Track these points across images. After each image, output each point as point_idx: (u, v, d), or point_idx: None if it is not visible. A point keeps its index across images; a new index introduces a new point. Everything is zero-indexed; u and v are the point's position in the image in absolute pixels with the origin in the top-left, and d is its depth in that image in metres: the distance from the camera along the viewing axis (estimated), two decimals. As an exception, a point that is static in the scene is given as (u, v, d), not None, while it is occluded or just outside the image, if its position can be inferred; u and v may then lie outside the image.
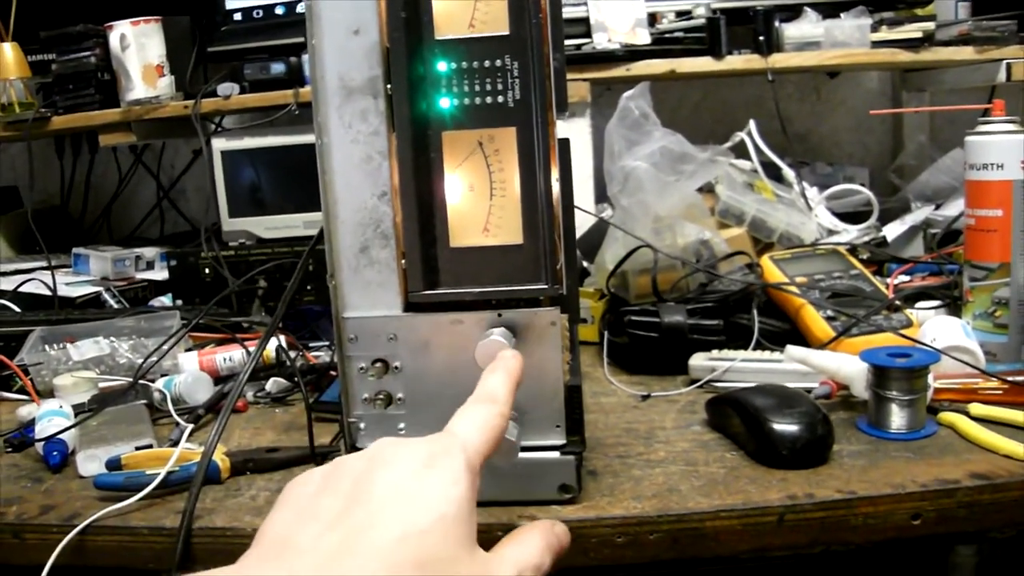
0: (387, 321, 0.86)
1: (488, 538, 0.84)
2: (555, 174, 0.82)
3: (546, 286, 0.83)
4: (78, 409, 1.21)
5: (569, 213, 0.91)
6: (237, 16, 1.92)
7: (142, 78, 1.78)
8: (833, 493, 0.88)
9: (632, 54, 1.75)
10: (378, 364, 0.87)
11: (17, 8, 1.81)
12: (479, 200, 0.83)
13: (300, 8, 1.89)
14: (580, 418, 0.88)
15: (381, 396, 0.88)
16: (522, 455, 0.83)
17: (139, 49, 1.77)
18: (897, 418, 1.02)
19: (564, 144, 0.88)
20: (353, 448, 0.90)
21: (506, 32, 0.80)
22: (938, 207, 1.79)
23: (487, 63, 0.81)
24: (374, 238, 0.85)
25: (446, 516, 0.56)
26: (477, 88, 0.81)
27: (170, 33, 1.82)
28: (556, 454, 0.87)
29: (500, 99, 0.81)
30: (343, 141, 0.83)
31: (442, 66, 0.81)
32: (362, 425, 0.89)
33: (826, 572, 1.17)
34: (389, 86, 0.82)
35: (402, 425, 0.89)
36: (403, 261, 0.84)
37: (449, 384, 0.87)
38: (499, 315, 0.84)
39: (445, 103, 0.82)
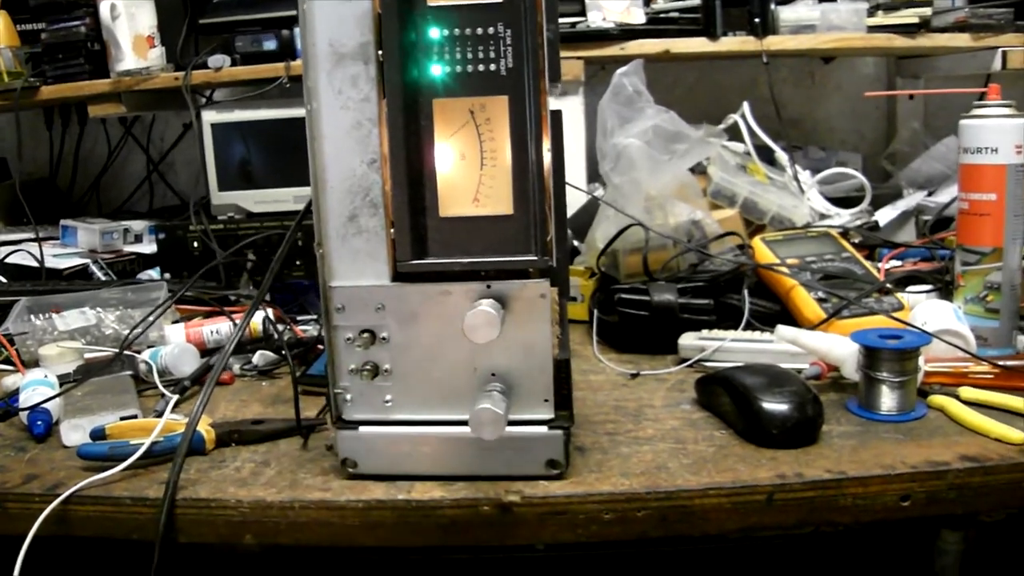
0: (375, 291, 0.85)
1: (474, 513, 0.84)
2: (547, 145, 0.81)
3: (535, 258, 0.82)
4: (63, 379, 1.20)
5: (560, 185, 0.90)
6: (229, -12, 1.90)
7: (132, 49, 1.76)
8: (823, 473, 0.87)
9: (626, 33, 1.74)
10: (365, 334, 0.86)
11: (7, -24, 1.79)
12: (470, 169, 0.82)
13: (293, -20, 1.87)
14: (568, 393, 0.88)
15: (368, 367, 0.87)
16: (509, 429, 0.83)
17: (129, 19, 1.75)
18: (887, 400, 1.01)
19: (556, 115, 0.87)
20: (340, 419, 0.89)
21: (500, -1, 0.79)
22: (930, 193, 1.79)
23: (479, 30, 0.80)
24: (363, 206, 0.84)
25: None
26: (469, 56, 0.80)
27: (161, 4, 1.81)
28: (544, 428, 0.87)
29: (492, 67, 0.80)
30: (333, 107, 0.83)
31: (434, 32, 0.80)
32: (348, 396, 0.89)
33: (813, 554, 1.17)
34: (380, 52, 0.81)
35: (389, 397, 0.88)
36: (392, 230, 0.84)
37: (437, 355, 0.86)
38: (488, 286, 0.83)
39: (437, 70, 0.81)
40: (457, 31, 0.80)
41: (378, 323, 0.86)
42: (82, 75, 1.83)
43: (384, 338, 0.86)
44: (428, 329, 0.86)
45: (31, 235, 1.82)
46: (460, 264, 0.83)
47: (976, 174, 1.19)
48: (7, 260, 1.77)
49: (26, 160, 2.32)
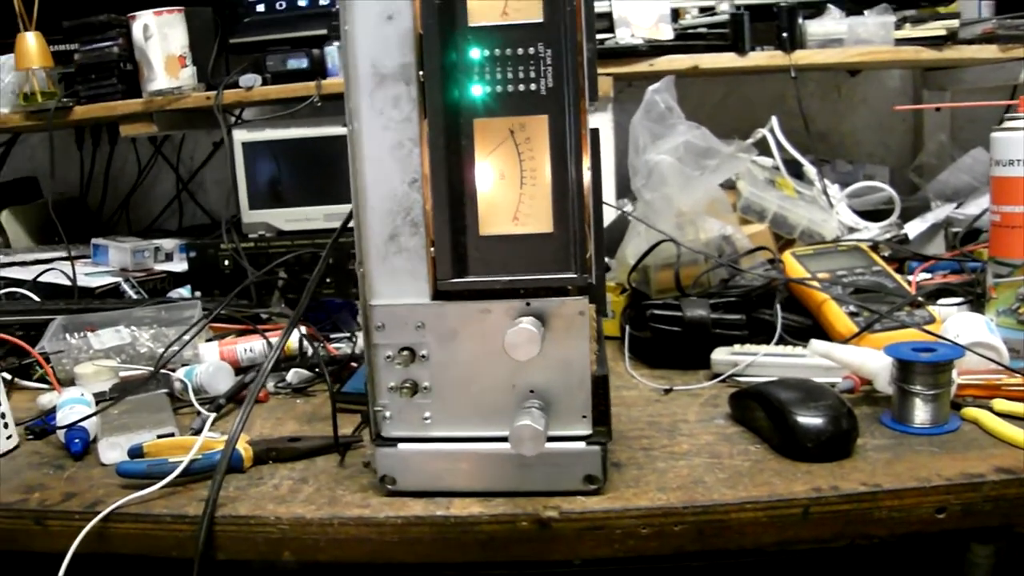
0: (415, 309, 0.86)
1: (513, 528, 0.85)
2: (586, 163, 0.82)
3: (575, 275, 0.83)
4: (99, 397, 1.21)
5: (598, 203, 0.91)
6: (260, 7, 1.93)
7: (164, 68, 1.79)
8: (858, 486, 0.87)
9: (655, 49, 1.74)
10: (405, 352, 0.87)
11: (40, -2, 1.81)
12: (509, 188, 0.83)
13: (323, 0, 1.89)
14: (606, 409, 0.88)
15: (407, 384, 0.88)
16: (548, 445, 0.83)
17: (162, 39, 1.78)
18: (921, 413, 1.01)
19: (595, 134, 0.88)
20: (379, 437, 0.90)
21: (540, 19, 0.80)
22: (959, 206, 1.78)
23: (520, 51, 0.81)
24: (403, 225, 0.85)
25: None
26: (510, 76, 0.81)
27: (193, 24, 1.83)
28: (582, 444, 0.87)
29: (532, 87, 0.81)
30: (374, 127, 0.83)
31: (475, 53, 0.81)
32: (388, 414, 0.89)
33: (846, 568, 1.17)
34: (422, 73, 0.82)
35: (428, 414, 0.89)
36: (432, 249, 0.84)
37: (476, 373, 0.87)
38: (527, 304, 0.84)
39: (477, 90, 0.82)
40: (498, 51, 0.81)
41: (418, 341, 0.87)
42: (115, 95, 1.85)
43: (424, 356, 0.87)
44: (468, 347, 0.87)
45: (63, 254, 1.84)
46: (500, 282, 0.84)
47: (1008, 186, 1.19)
48: (40, 279, 1.78)
49: (57, 179, 2.34)
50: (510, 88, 0.81)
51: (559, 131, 0.81)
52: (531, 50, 0.80)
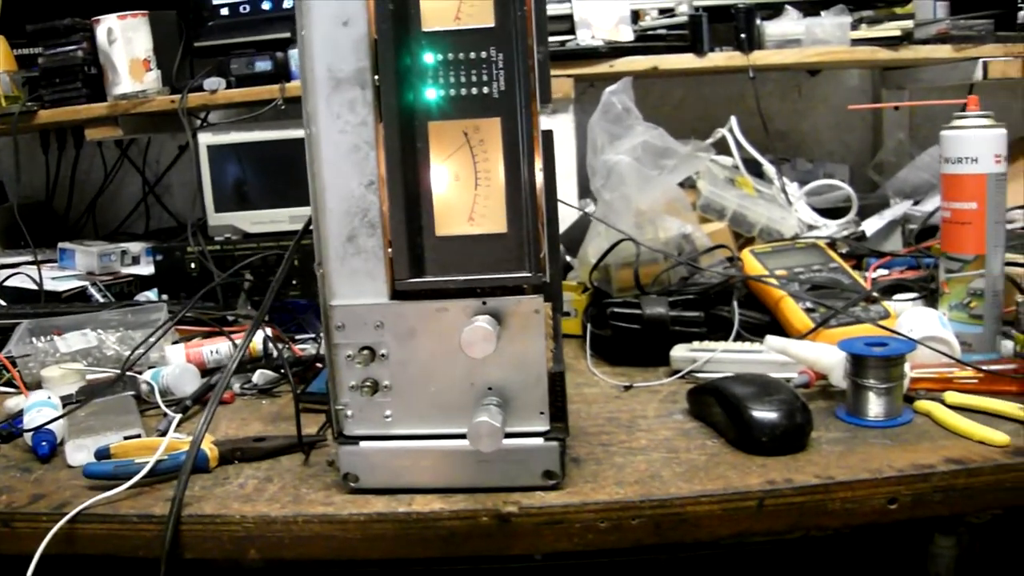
0: (374, 309, 0.88)
1: (473, 524, 0.86)
2: (539, 164, 0.84)
3: (530, 274, 0.84)
4: (66, 400, 1.22)
5: (552, 203, 0.93)
6: (224, 11, 1.93)
7: (129, 72, 1.79)
8: (811, 478, 0.89)
9: (615, 51, 1.76)
10: (365, 351, 0.88)
11: (4, 2, 1.80)
12: (464, 189, 0.84)
13: (287, 3, 1.90)
14: (563, 405, 0.90)
15: (368, 383, 0.89)
16: (506, 441, 0.84)
17: (126, 43, 1.78)
18: (874, 406, 1.04)
19: (547, 135, 0.89)
20: (341, 435, 0.91)
21: (491, 24, 0.82)
22: (916, 203, 1.81)
23: (472, 55, 0.82)
24: (361, 227, 0.86)
25: None
26: (463, 79, 0.83)
27: (157, 27, 1.83)
28: (540, 440, 0.89)
29: (485, 90, 0.83)
30: (331, 131, 0.85)
31: (428, 57, 0.83)
32: (349, 412, 0.91)
33: (807, 559, 1.19)
34: (377, 77, 0.83)
35: (389, 412, 0.90)
36: (389, 250, 0.86)
37: (435, 371, 0.88)
38: (484, 303, 0.86)
39: (431, 94, 0.83)
40: (451, 55, 0.82)
41: (377, 340, 0.88)
42: (79, 99, 1.85)
43: (383, 355, 0.89)
44: (426, 345, 0.88)
45: (30, 258, 1.84)
46: (456, 282, 0.85)
47: (957, 183, 1.21)
48: (6, 283, 1.78)
49: (23, 183, 2.34)
50: (463, 91, 0.83)
51: (511, 133, 0.83)
52: (483, 54, 0.82)
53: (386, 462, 0.91)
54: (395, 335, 0.88)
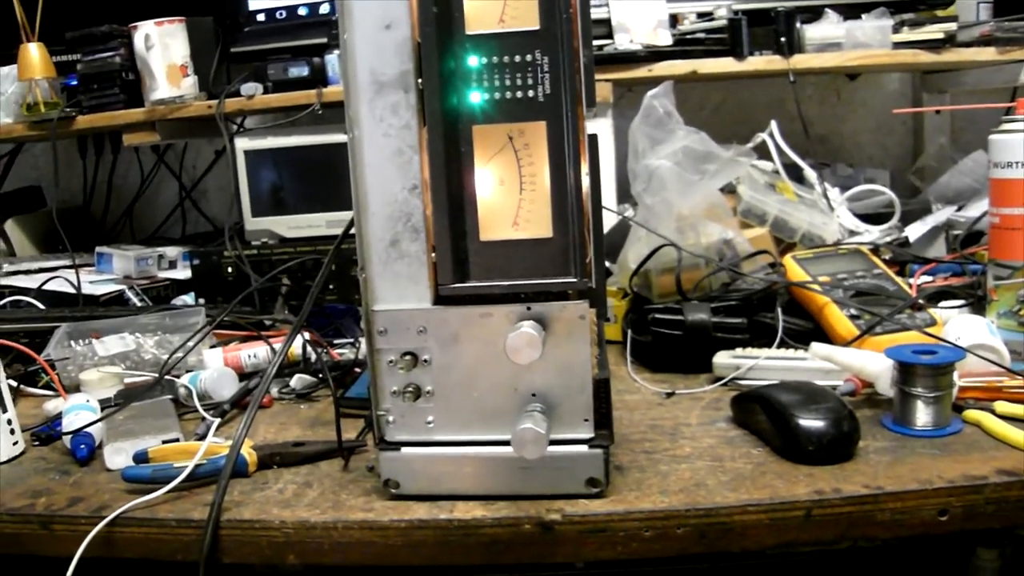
0: (417, 314, 0.87)
1: (516, 531, 0.85)
2: (584, 168, 0.83)
3: (575, 280, 0.83)
4: (104, 404, 1.22)
5: (597, 207, 0.92)
6: (260, 17, 1.94)
7: (166, 78, 1.79)
8: (860, 488, 0.88)
9: (653, 55, 1.75)
10: (407, 357, 0.88)
11: (43, 8, 1.82)
12: (509, 194, 0.84)
13: (323, 9, 1.90)
14: (608, 412, 0.88)
15: (410, 389, 0.88)
16: (550, 448, 0.84)
17: (163, 49, 1.78)
18: (923, 415, 1.02)
19: (593, 139, 0.88)
20: (382, 441, 0.91)
21: (536, 27, 0.81)
22: (960, 208, 1.79)
23: (517, 58, 0.81)
24: (404, 231, 0.85)
25: None
26: (507, 82, 0.82)
27: (194, 33, 1.84)
28: (584, 447, 0.88)
29: (530, 93, 0.82)
30: (374, 135, 0.84)
31: (473, 60, 0.82)
32: (391, 418, 0.90)
33: (850, 570, 1.17)
34: (420, 80, 0.83)
35: (431, 418, 0.89)
36: (433, 254, 0.85)
37: (478, 377, 0.88)
38: (528, 308, 0.85)
39: (475, 97, 0.82)
40: (495, 58, 0.82)
41: (420, 346, 0.88)
42: (117, 104, 1.86)
43: (426, 360, 0.88)
44: (469, 351, 0.87)
45: (67, 262, 1.85)
46: (500, 287, 0.84)
47: (1007, 189, 1.19)
48: (45, 287, 1.79)
49: (61, 188, 2.36)
50: (508, 95, 0.82)
51: (557, 137, 0.82)
52: (528, 57, 0.81)
53: (427, 468, 0.90)
54: (438, 340, 0.87)
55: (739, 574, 1.10)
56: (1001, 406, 1.04)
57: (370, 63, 0.84)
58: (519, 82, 0.82)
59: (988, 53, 1.79)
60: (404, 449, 0.90)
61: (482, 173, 0.84)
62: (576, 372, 0.86)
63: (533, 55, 0.81)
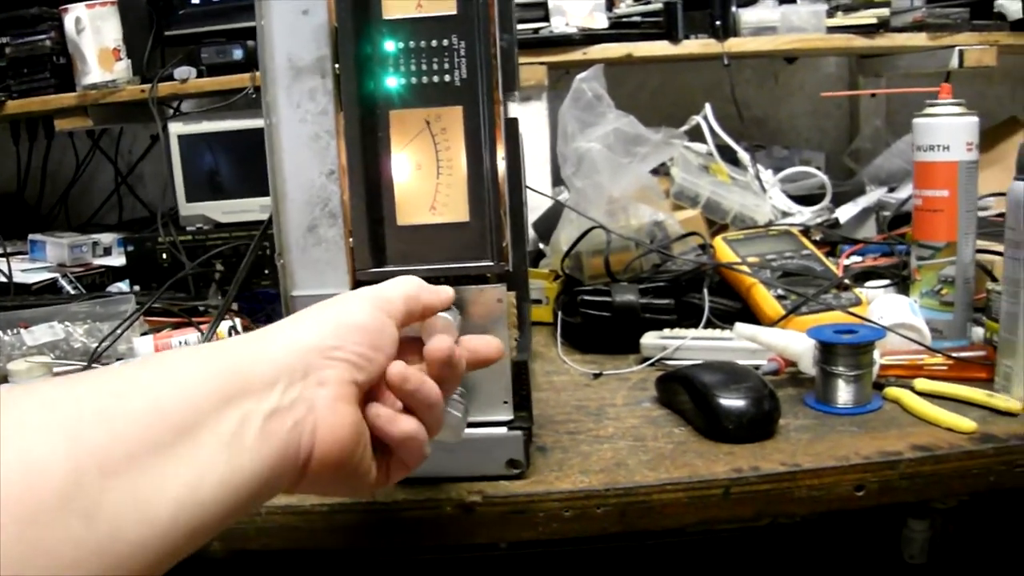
0: (336, 299, 0.87)
1: (438, 513, 0.86)
2: (501, 153, 0.83)
3: (492, 263, 0.84)
4: (32, 393, 1.20)
5: (517, 192, 0.92)
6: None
7: (98, 62, 1.77)
8: (778, 466, 0.89)
9: (589, 38, 1.76)
10: (328, 342, 0.87)
11: (-30, -9, 1.79)
12: (426, 178, 0.84)
13: (257, -8, 1.88)
14: (527, 394, 0.89)
15: (331, 374, 0.88)
16: (470, 431, 0.84)
17: (95, 32, 1.76)
18: (843, 393, 1.04)
19: (512, 123, 0.88)
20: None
21: (453, 12, 0.81)
22: (892, 190, 1.81)
23: (434, 42, 0.82)
24: (322, 217, 0.85)
25: None
26: (424, 67, 0.82)
27: (126, 16, 1.81)
28: (504, 429, 0.88)
29: (447, 78, 0.82)
30: (291, 120, 0.84)
31: (389, 45, 0.82)
32: (313, 403, 0.90)
33: (781, 546, 1.19)
34: (337, 66, 0.82)
35: (352, 402, 0.89)
36: (351, 239, 0.85)
37: (397, 360, 0.87)
38: (446, 292, 0.85)
39: (392, 82, 0.82)
40: (412, 43, 0.82)
41: (340, 330, 0.88)
42: (48, 89, 1.83)
43: (346, 345, 0.88)
44: (389, 335, 0.87)
45: (-1, 251, 1.83)
46: (418, 271, 0.83)
47: (929, 171, 1.21)
48: (-24, 276, 1.77)
49: (-7, 175, 2.33)
50: (424, 80, 0.82)
51: (474, 122, 0.82)
52: (444, 42, 0.81)
53: (350, 453, 0.90)
54: (357, 325, 0.87)
55: (661, 553, 1.12)
56: (920, 383, 1.06)
57: (287, 49, 0.83)
58: (436, 67, 0.82)
59: (920, 39, 1.81)
60: (327, 434, 0.90)
61: (399, 158, 0.84)
62: (494, 355, 0.86)
63: (450, 40, 0.82)
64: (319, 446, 0.60)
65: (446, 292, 0.74)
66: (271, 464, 0.56)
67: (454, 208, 0.84)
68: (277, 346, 0.61)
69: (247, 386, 0.56)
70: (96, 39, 1.76)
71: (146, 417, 0.51)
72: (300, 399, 0.59)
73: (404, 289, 0.70)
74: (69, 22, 1.76)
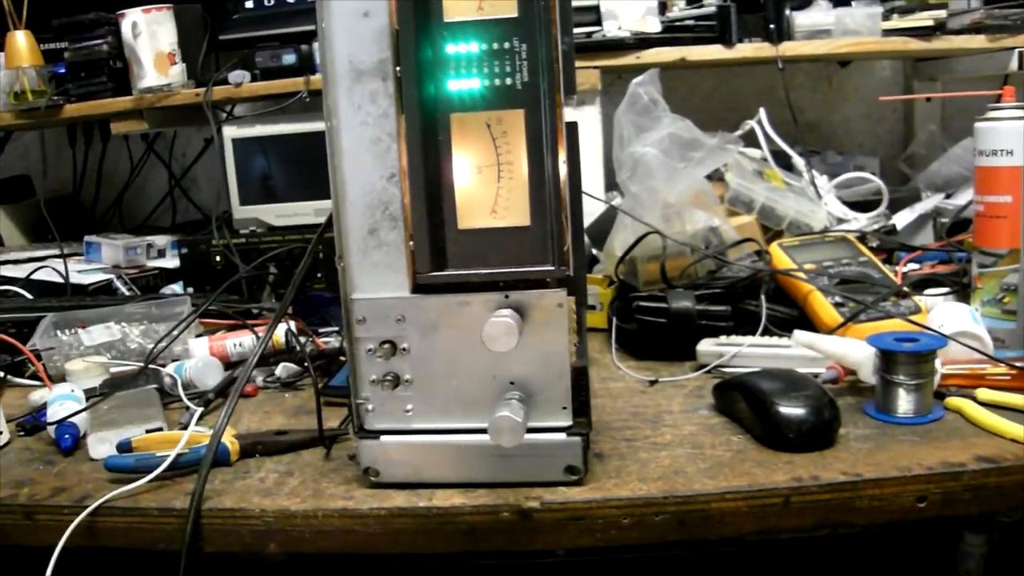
0: (395, 302, 0.87)
1: (495, 519, 0.85)
2: (562, 156, 0.83)
3: (553, 268, 0.83)
4: (89, 393, 1.22)
5: (577, 196, 0.92)
6: (248, 4, 1.92)
7: (154, 66, 1.79)
8: (839, 475, 0.88)
9: (642, 42, 1.75)
10: (386, 345, 0.88)
11: (29, -3, 1.82)
12: (487, 182, 0.83)
13: (310, -4, 1.90)
14: (586, 400, 0.89)
15: (389, 377, 0.88)
16: (528, 436, 0.84)
17: (151, 37, 1.78)
18: (904, 402, 1.02)
19: (572, 127, 0.88)
20: (361, 429, 0.91)
21: (514, 14, 0.81)
22: (948, 196, 1.79)
23: (495, 45, 0.81)
24: (383, 220, 0.85)
25: None
26: (485, 70, 0.82)
27: (182, 21, 1.83)
28: (562, 435, 0.88)
29: (508, 81, 0.82)
30: (352, 123, 0.84)
31: (451, 48, 0.82)
32: (370, 406, 0.90)
33: (835, 556, 1.17)
34: (398, 68, 0.82)
35: (410, 406, 0.89)
36: (411, 243, 0.85)
37: (456, 365, 0.88)
38: (506, 296, 0.84)
39: (453, 85, 0.82)
40: (473, 46, 0.81)
41: (399, 334, 0.88)
42: (105, 93, 1.85)
43: (405, 349, 0.88)
44: (448, 339, 0.87)
45: (56, 251, 1.85)
46: (478, 275, 0.84)
47: (992, 176, 1.20)
48: (33, 276, 1.79)
49: (50, 177, 2.37)
50: (486, 83, 0.82)
51: (535, 125, 0.82)
52: (506, 45, 0.81)
53: (407, 456, 0.90)
54: (417, 329, 0.87)
55: (719, 561, 1.11)
56: (983, 393, 1.04)
57: (348, 51, 0.84)
58: (497, 70, 0.82)
59: (978, 41, 1.78)
60: (383, 437, 0.90)
61: (460, 161, 0.83)
62: (554, 360, 0.86)
63: (511, 43, 0.81)
64: None
65: None
66: None
67: (515, 212, 0.83)
68: None
69: None
70: (152, 43, 1.78)
71: None
72: None
73: None
74: (126, 27, 1.78)
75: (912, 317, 1.21)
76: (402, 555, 0.89)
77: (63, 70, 1.88)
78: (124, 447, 1.02)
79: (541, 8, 0.80)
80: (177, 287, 1.75)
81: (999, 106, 1.20)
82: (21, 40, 1.83)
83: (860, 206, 1.76)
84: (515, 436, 0.80)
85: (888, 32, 1.80)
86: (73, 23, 1.85)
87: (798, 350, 1.16)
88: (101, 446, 1.05)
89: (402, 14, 0.81)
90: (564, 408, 0.87)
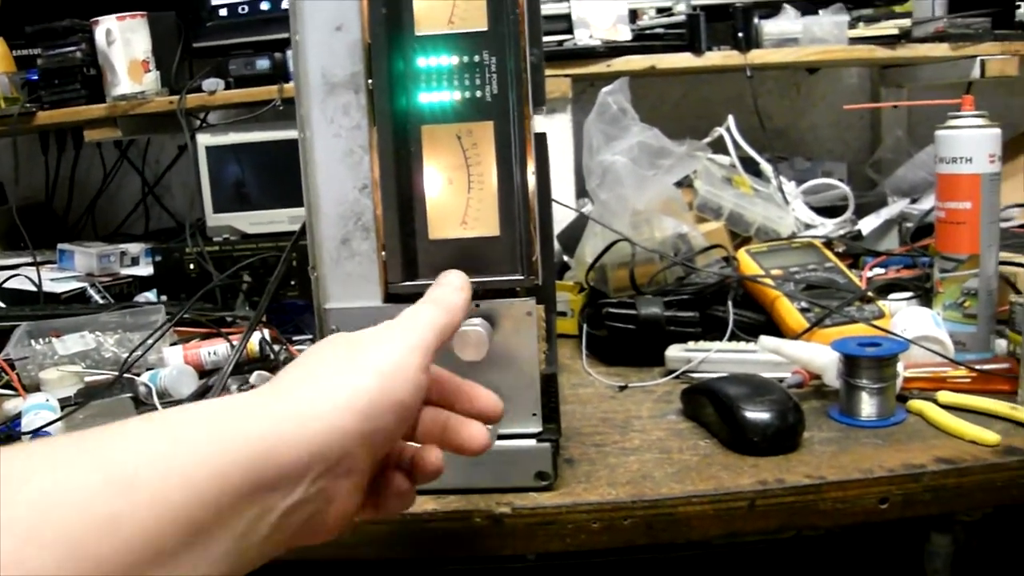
0: (368, 312, 0.88)
1: (467, 524, 0.87)
2: (531, 167, 0.84)
3: (522, 277, 0.85)
4: (64, 403, 1.22)
5: (546, 206, 0.93)
6: (223, 12, 1.93)
7: (128, 73, 1.79)
8: (802, 478, 0.90)
9: (613, 50, 1.76)
10: (359, 354, 0.88)
11: (2, 3, 1.81)
12: (457, 193, 0.85)
13: (285, 4, 1.89)
14: (556, 406, 0.90)
15: (362, 385, 0.89)
16: (499, 443, 0.85)
17: (125, 44, 1.78)
18: (867, 406, 1.04)
19: (541, 138, 0.90)
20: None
21: (484, 28, 0.83)
22: (914, 201, 1.81)
23: (465, 58, 0.83)
24: (355, 230, 0.87)
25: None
26: (456, 83, 0.83)
27: (156, 28, 1.84)
28: (532, 441, 0.89)
29: (478, 94, 0.83)
30: (325, 135, 0.85)
31: (422, 61, 0.83)
32: (344, 414, 0.91)
33: (804, 559, 1.19)
34: (370, 81, 0.84)
35: (383, 413, 0.90)
36: (383, 253, 0.86)
37: (428, 373, 0.89)
38: (477, 306, 0.86)
39: (424, 98, 0.84)
40: (444, 59, 0.83)
41: (371, 343, 0.89)
42: (78, 100, 1.85)
43: (377, 357, 0.89)
44: (419, 348, 0.88)
45: (29, 259, 1.84)
46: (449, 285, 0.86)
47: (952, 183, 1.22)
48: (5, 285, 1.78)
49: (22, 185, 2.36)
50: (456, 95, 0.83)
51: (504, 136, 0.83)
52: (476, 58, 0.83)
53: (380, 463, 0.91)
54: (389, 338, 0.88)
55: (687, 564, 1.12)
56: (944, 396, 1.06)
57: (321, 64, 0.85)
58: (467, 82, 0.83)
59: (942, 49, 1.81)
60: (357, 444, 0.91)
61: (431, 173, 0.85)
62: (524, 368, 0.87)
63: (481, 55, 0.83)
64: (321, 532, 0.60)
65: (461, 299, 0.74)
66: (272, 554, 0.54)
67: (485, 222, 0.85)
68: (314, 427, 0.56)
69: (274, 478, 0.53)
70: (126, 51, 1.79)
71: (156, 523, 0.47)
72: (323, 490, 0.57)
73: (437, 325, 0.69)
74: (100, 34, 1.78)
75: (875, 322, 1.23)
76: (375, 561, 0.90)
77: (36, 77, 1.88)
78: (99, 455, 1.02)
79: (510, 22, 0.82)
80: (151, 295, 1.75)
81: (959, 115, 1.22)
82: (-7, 47, 1.83)
83: (828, 211, 1.78)
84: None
85: (855, 40, 1.82)
86: (47, 30, 1.85)
87: (764, 355, 1.18)
88: (76, 455, 1.06)
89: (374, 28, 0.83)
90: (534, 415, 0.89)
